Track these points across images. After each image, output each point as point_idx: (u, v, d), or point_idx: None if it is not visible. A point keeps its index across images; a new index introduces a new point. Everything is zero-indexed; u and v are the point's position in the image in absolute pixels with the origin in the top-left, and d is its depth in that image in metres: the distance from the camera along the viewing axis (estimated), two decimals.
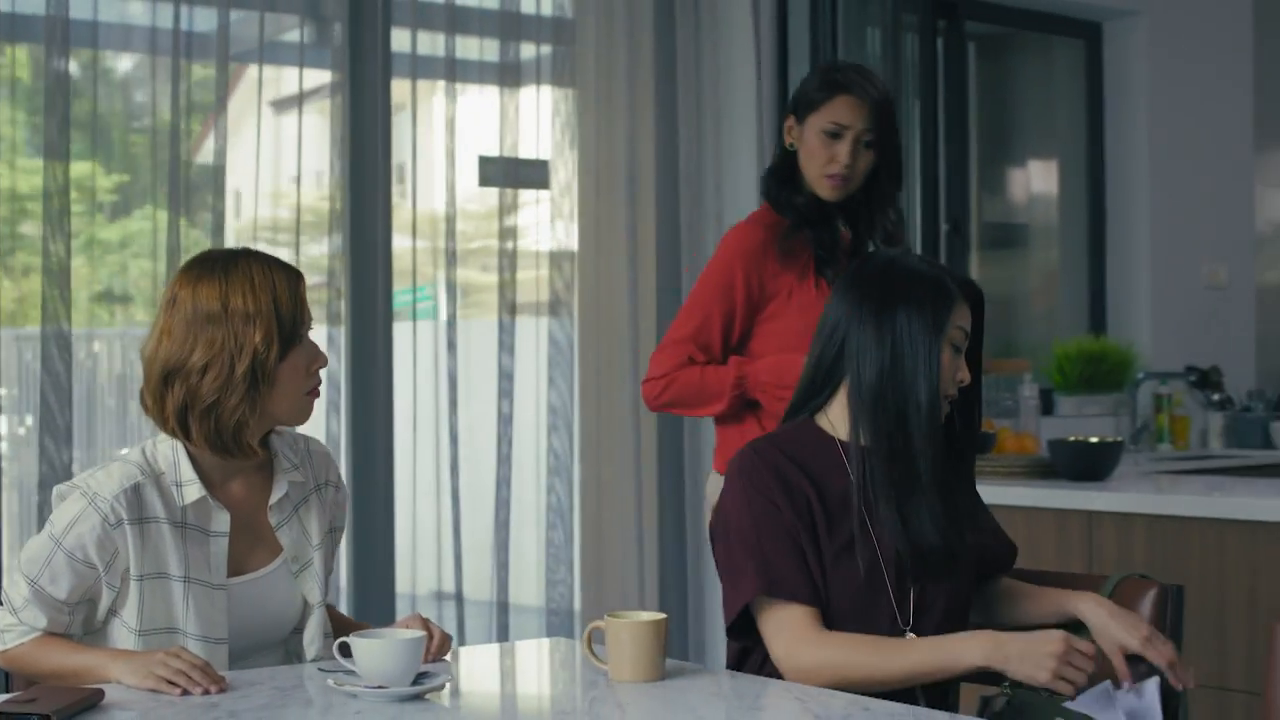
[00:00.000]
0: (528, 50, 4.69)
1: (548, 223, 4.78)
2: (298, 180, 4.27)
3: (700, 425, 5.00)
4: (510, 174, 4.68)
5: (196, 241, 4.12)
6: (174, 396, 2.48)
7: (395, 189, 4.51)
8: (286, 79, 4.35)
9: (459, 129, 4.53)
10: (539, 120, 4.75)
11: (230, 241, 4.24)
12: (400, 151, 4.52)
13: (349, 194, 4.38)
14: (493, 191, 4.72)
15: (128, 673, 2.30)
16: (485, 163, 4.69)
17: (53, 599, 2.44)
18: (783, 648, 2.43)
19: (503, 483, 4.59)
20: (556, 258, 4.76)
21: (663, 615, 2.39)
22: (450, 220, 4.53)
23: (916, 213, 5.55)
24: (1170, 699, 2.55)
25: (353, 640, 2.28)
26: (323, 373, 2.60)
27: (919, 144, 5.56)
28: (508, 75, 4.65)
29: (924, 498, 2.49)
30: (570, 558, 4.77)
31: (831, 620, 2.47)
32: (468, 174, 4.63)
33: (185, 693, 2.25)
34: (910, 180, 5.53)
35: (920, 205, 5.53)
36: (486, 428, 4.62)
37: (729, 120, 5.02)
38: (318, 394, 2.59)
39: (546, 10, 4.76)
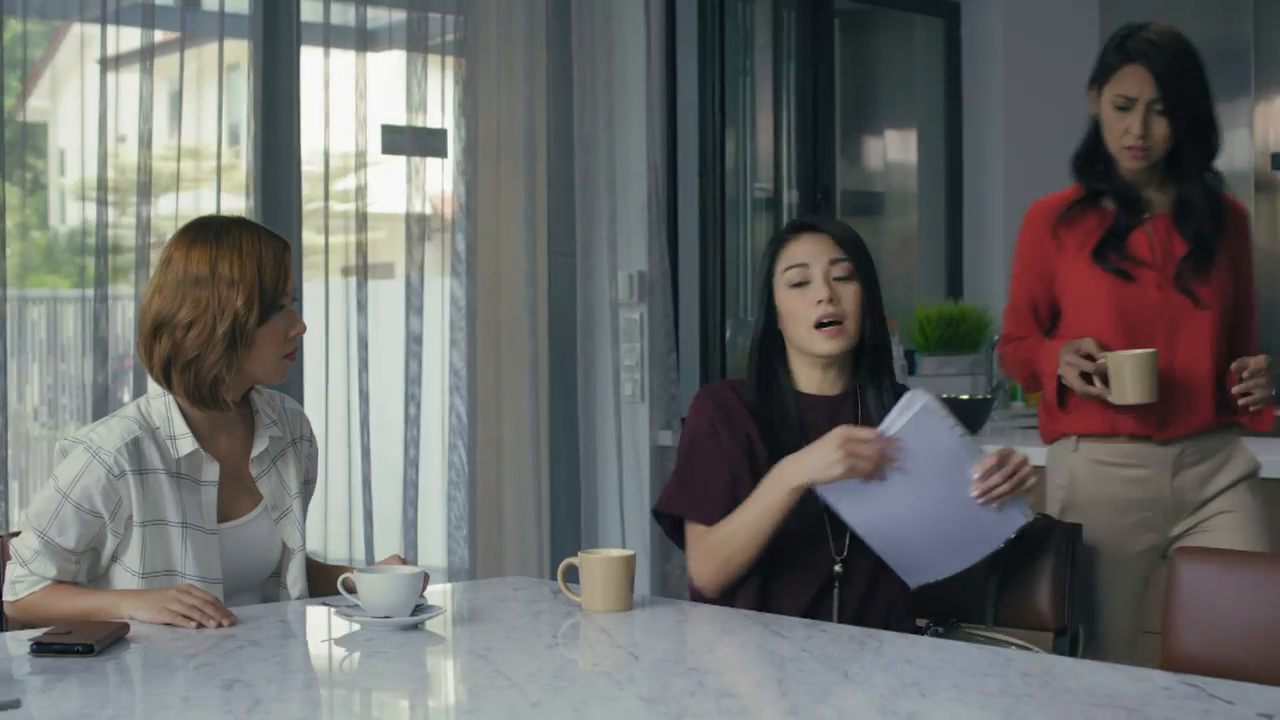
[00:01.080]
0: (433, 20, 4.84)
1: (450, 187, 4.95)
2: (120, 139, 4.23)
3: (593, 387, 5.22)
4: (414, 142, 4.83)
5: (17, 201, 4.13)
6: (161, 348, 2.67)
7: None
8: (120, 37, 4.21)
9: (370, 96, 4.68)
10: (443, 89, 4.91)
11: (54, 200, 4.31)
12: (310, 116, 4.64)
13: (261, 156, 4.50)
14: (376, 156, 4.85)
15: (142, 609, 2.47)
16: (389, 131, 4.84)
17: (61, 549, 2.59)
18: (688, 561, 2.78)
19: (411, 443, 4.75)
20: (459, 222, 4.93)
21: (631, 552, 2.61)
22: (361, 181, 4.68)
23: (794, 181, 5.82)
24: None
25: (358, 576, 2.47)
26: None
27: (795, 115, 5.82)
28: (415, 44, 4.80)
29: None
30: (470, 517, 4.93)
31: (782, 541, 2.72)
32: (373, 141, 4.77)
33: (200, 626, 2.43)
34: (787, 150, 5.80)
35: (797, 174, 5.80)
36: (394, 389, 4.77)
37: (620, 89, 5.22)
38: (293, 358, 2.78)
39: None
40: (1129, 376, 3.06)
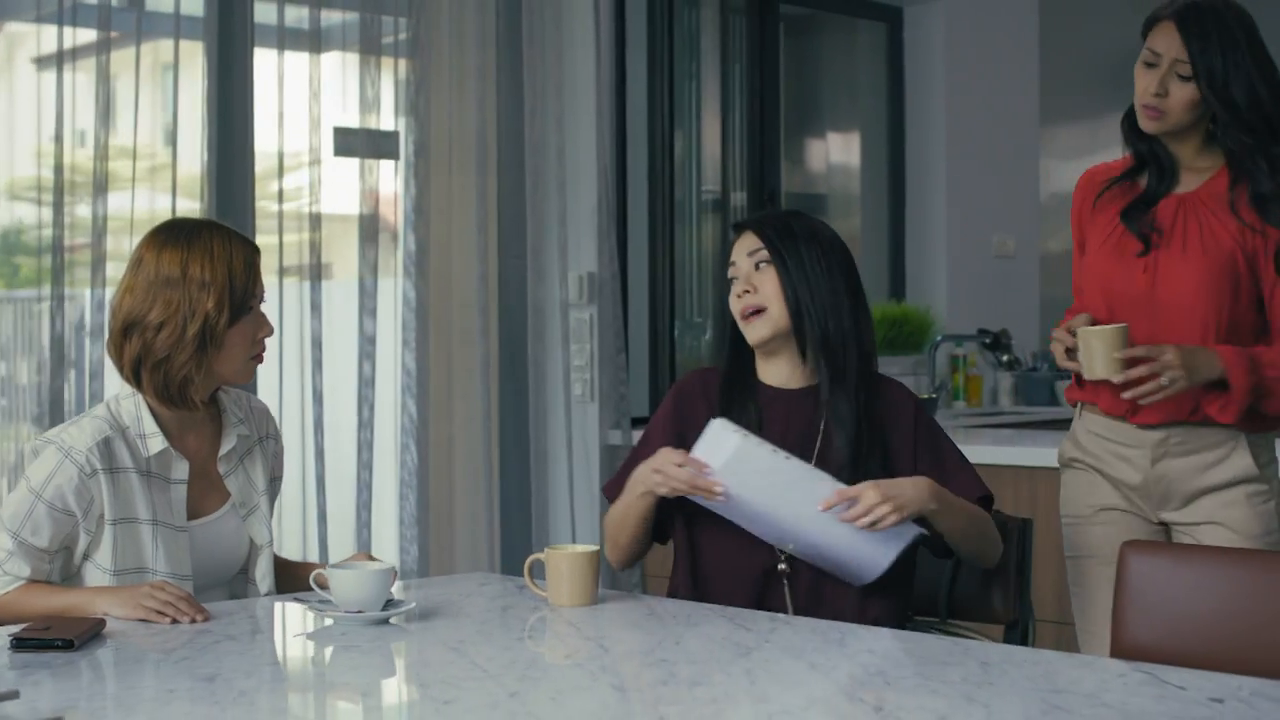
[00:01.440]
0: (385, 22, 4.87)
1: (401, 189, 4.98)
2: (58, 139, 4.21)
3: (544, 387, 5.26)
4: (366, 144, 4.86)
5: None
6: (131, 347, 2.70)
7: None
8: (69, 37, 4.19)
9: (322, 98, 4.70)
10: (396, 91, 4.95)
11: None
12: (264, 118, 4.66)
13: (215, 157, 4.52)
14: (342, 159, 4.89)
15: (116, 605, 2.50)
16: (341, 133, 4.86)
17: (35, 549, 2.61)
18: None
19: (364, 444, 4.78)
20: (410, 222, 4.96)
21: (596, 548, 2.67)
22: (314, 181, 4.71)
23: (740, 182, 5.89)
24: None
25: (330, 571, 2.51)
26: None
27: (742, 118, 5.89)
28: (367, 46, 4.83)
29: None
30: (423, 517, 4.96)
31: (719, 534, 2.78)
32: (326, 142, 4.79)
33: (174, 622, 2.46)
34: (734, 152, 5.86)
35: (743, 176, 5.87)
36: (347, 389, 4.79)
37: (570, 92, 5.28)
38: (261, 359, 2.82)
39: None
40: (1096, 351, 2.97)
